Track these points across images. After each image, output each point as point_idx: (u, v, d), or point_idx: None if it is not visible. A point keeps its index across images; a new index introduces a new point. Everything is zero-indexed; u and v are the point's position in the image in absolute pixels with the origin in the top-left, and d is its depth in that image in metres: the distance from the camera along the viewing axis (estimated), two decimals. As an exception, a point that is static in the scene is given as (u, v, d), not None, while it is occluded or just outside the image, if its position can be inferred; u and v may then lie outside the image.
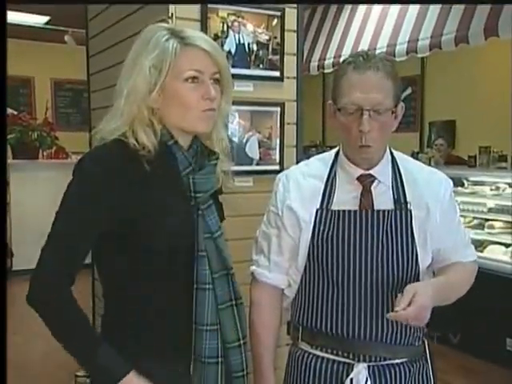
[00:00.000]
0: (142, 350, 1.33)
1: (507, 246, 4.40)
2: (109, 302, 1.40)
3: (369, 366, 1.48)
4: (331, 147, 5.71)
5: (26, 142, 6.62)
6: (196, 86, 1.32)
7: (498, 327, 4.09)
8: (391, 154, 1.55)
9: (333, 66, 6.23)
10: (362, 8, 6.00)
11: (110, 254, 1.33)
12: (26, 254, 4.70)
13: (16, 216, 6.36)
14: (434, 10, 5.06)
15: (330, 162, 1.56)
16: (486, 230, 4.55)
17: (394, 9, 5.53)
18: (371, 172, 1.50)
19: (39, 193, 6.44)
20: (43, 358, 4.24)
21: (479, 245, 4.34)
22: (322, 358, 1.53)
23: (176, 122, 1.34)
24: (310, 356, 1.55)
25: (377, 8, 5.77)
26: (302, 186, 1.55)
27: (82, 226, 1.27)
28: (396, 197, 1.50)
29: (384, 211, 1.48)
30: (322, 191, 1.52)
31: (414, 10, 5.29)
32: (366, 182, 1.50)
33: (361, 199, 1.49)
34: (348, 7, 6.22)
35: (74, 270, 1.29)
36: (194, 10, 2.35)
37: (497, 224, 4.54)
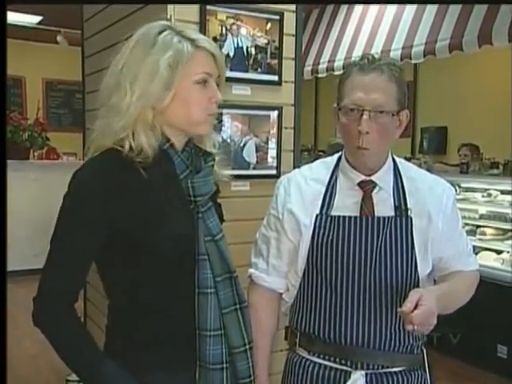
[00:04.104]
0: (147, 357, 1.32)
1: (498, 252, 4.42)
2: (113, 311, 1.39)
3: (366, 374, 1.47)
4: (323, 152, 5.72)
5: (17, 142, 6.58)
6: (204, 89, 1.32)
7: (489, 333, 4.11)
8: (393, 160, 1.55)
9: (326, 71, 6.25)
10: (356, 13, 6.02)
11: (113, 264, 1.32)
12: (15, 255, 4.66)
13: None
14: (429, 16, 5.08)
15: (332, 166, 1.56)
16: (478, 237, 4.57)
17: (389, 14, 5.55)
18: (372, 178, 1.50)
19: (30, 193, 6.39)
20: (33, 360, 4.20)
21: (471, 251, 4.35)
22: (320, 364, 1.52)
23: (181, 123, 1.32)
24: (308, 362, 1.54)
25: (371, 13, 5.79)
26: (303, 189, 1.54)
27: (81, 242, 1.25)
28: (397, 204, 1.49)
29: (384, 218, 1.47)
30: (322, 196, 1.51)
31: (408, 15, 5.32)
32: (366, 188, 1.49)
33: (361, 205, 1.49)
34: (343, 12, 6.23)
35: (76, 288, 1.29)
36: (193, 12, 2.34)
37: (488, 230, 4.57)
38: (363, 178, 1.50)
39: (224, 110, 2.38)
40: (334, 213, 1.49)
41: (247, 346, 1.38)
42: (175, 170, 1.32)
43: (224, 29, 2.39)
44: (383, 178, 1.50)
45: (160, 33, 1.29)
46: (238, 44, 2.43)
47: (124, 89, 1.27)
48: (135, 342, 1.32)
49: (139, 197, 1.26)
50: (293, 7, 2.58)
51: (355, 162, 1.49)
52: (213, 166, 1.40)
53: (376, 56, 1.45)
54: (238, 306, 1.38)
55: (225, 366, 1.33)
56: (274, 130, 2.55)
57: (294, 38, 2.58)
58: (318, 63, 6.38)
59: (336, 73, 5.99)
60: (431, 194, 1.52)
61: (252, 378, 1.40)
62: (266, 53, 2.50)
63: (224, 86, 1.41)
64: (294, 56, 2.59)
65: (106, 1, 3.02)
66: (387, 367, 1.48)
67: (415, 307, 1.29)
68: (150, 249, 1.27)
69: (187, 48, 1.28)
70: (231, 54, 2.40)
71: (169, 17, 2.26)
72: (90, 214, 1.24)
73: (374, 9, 5.77)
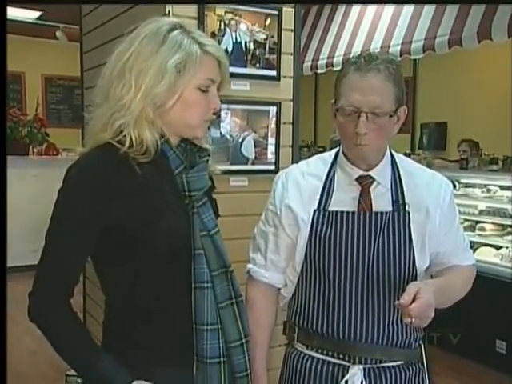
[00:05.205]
0: (145, 353, 1.32)
1: (498, 248, 4.43)
2: (110, 308, 1.39)
3: (364, 369, 1.47)
4: (323, 147, 5.73)
5: (17, 138, 6.58)
6: (206, 95, 1.32)
7: (488, 329, 4.12)
8: (391, 155, 1.55)
9: (326, 67, 6.24)
10: (355, 9, 6.01)
11: (109, 261, 1.31)
12: (14, 251, 4.66)
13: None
14: (428, 12, 5.07)
15: (330, 161, 1.56)
16: (477, 232, 4.58)
17: (388, 10, 5.55)
18: (370, 173, 1.50)
19: (29, 189, 6.40)
20: (32, 355, 4.21)
21: (470, 247, 4.35)
22: (318, 359, 1.52)
23: (176, 124, 1.33)
24: (306, 357, 1.54)
25: (371, 9, 5.78)
26: (300, 185, 1.54)
27: (75, 238, 1.25)
28: (394, 198, 1.49)
29: (382, 213, 1.47)
30: (320, 191, 1.51)
31: (407, 11, 5.31)
32: (364, 183, 1.50)
33: (359, 200, 1.49)
34: (342, 8, 6.22)
35: (71, 284, 1.28)
36: (191, 7, 2.34)
37: (488, 226, 4.58)
38: (361, 172, 1.50)
39: (223, 106, 2.38)
40: (331, 208, 1.49)
41: (243, 340, 1.38)
42: (170, 165, 1.32)
43: (222, 24, 2.39)
44: (381, 172, 1.51)
45: (170, 30, 1.29)
46: (236, 39, 2.43)
47: (128, 82, 1.26)
48: (132, 339, 1.32)
49: (134, 193, 1.26)
50: (291, 3, 2.58)
51: (354, 157, 1.49)
52: (207, 161, 1.40)
53: (373, 53, 1.43)
54: (234, 301, 1.38)
55: (222, 360, 1.33)
56: (273, 126, 2.55)
57: (293, 33, 2.57)
58: (318, 59, 6.37)
59: (335, 69, 5.99)
60: (429, 188, 1.52)
61: (248, 371, 1.40)
62: (265, 48, 2.50)
63: (224, 88, 1.41)
64: (292, 51, 2.59)
65: (104, 0, 3.02)
66: (385, 362, 1.49)
67: (413, 300, 1.29)
68: (146, 245, 1.26)
69: (196, 52, 1.28)
70: (230, 49, 2.40)
71: (167, 12, 2.25)
72: (84, 210, 1.24)
73: (373, 5, 5.76)
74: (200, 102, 1.31)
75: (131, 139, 1.26)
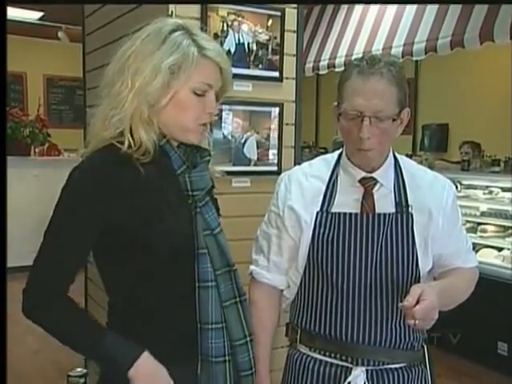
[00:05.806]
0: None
1: (499, 249, 4.43)
2: (112, 309, 1.39)
3: (367, 370, 1.47)
4: (325, 148, 5.72)
5: (18, 138, 6.59)
6: (202, 99, 1.32)
7: (490, 331, 4.11)
8: (394, 157, 1.55)
9: (328, 68, 6.24)
10: (357, 10, 6.01)
11: (112, 262, 1.32)
12: (16, 251, 4.66)
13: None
14: (430, 13, 5.07)
15: (333, 163, 1.56)
16: (479, 234, 4.58)
17: (390, 11, 5.55)
18: (373, 175, 1.50)
19: (30, 189, 6.40)
20: (33, 355, 4.21)
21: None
22: (320, 360, 1.52)
23: (171, 126, 1.33)
24: (308, 358, 1.54)
25: (373, 10, 5.78)
26: (303, 186, 1.54)
27: (72, 238, 1.26)
28: (398, 200, 1.49)
29: (385, 214, 1.47)
30: (323, 193, 1.51)
31: (409, 12, 5.31)
32: (368, 184, 1.49)
33: (362, 202, 1.49)
34: (344, 9, 6.22)
35: (65, 281, 1.28)
36: (194, 8, 2.34)
37: (489, 228, 4.58)
38: (364, 174, 1.50)
39: (225, 106, 2.38)
40: (334, 210, 1.49)
41: (248, 339, 1.39)
42: (172, 165, 1.33)
43: (225, 25, 2.39)
44: (384, 174, 1.50)
45: (172, 31, 1.29)
46: (239, 40, 2.43)
47: (126, 80, 1.27)
48: (134, 339, 1.32)
49: (137, 194, 1.26)
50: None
51: (357, 161, 1.49)
52: (209, 161, 1.41)
53: (375, 56, 1.43)
54: (238, 299, 1.39)
55: (227, 358, 1.34)
56: (275, 127, 2.55)
57: (295, 34, 2.57)
58: (320, 60, 6.37)
59: (337, 70, 5.99)
60: (431, 190, 1.52)
61: (253, 370, 1.41)
62: (268, 49, 2.49)
63: (227, 92, 1.41)
64: (295, 52, 2.58)
65: (105, 0, 3.02)
66: (388, 363, 1.49)
67: (417, 302, 1.29)
68: (146, 245, 1.27)
69: (193, 54, 1.28)
70: (232, 50, 2.40)
71: (170, 13, 2.25)
72: (85, 210, 1.25)
73: (375, 6, 5.76)
74: (194, 106, 1.31)
75: (129, 139, 1.27)
